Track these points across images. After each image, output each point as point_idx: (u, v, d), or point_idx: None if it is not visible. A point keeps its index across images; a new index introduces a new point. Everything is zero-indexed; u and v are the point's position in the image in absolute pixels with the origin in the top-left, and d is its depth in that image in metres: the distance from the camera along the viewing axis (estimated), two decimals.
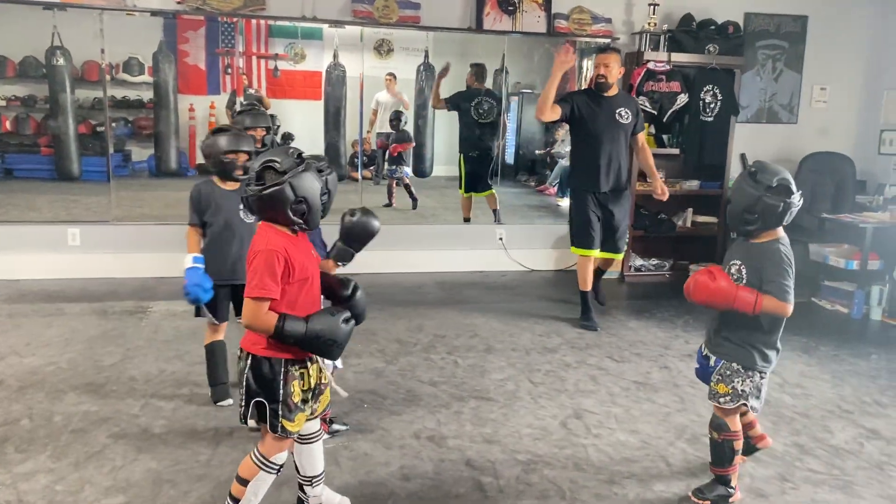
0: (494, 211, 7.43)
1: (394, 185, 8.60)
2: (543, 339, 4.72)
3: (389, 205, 8.53)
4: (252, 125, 4.29)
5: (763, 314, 2.65)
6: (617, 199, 4.97)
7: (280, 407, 2.35)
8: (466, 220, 7.39)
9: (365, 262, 6.08)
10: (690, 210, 6.74)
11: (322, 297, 2.50)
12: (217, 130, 3.55)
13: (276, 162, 2.29)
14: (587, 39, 6.72)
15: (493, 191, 7.38)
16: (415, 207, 8.25)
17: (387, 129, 9.97)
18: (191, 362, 4.11)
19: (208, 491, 2.84)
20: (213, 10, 6.34)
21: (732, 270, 2.74)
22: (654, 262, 6.70)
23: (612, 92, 4.84)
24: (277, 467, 2.47)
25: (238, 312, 3.48)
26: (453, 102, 7.26)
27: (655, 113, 6.32)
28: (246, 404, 2.37)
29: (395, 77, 9.60)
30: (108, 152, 7.17)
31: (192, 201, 3.53)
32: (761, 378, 2.78)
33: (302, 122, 10.08)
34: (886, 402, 3.92)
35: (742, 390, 2.75)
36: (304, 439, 2.58)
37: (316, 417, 2.56)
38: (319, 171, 2.39)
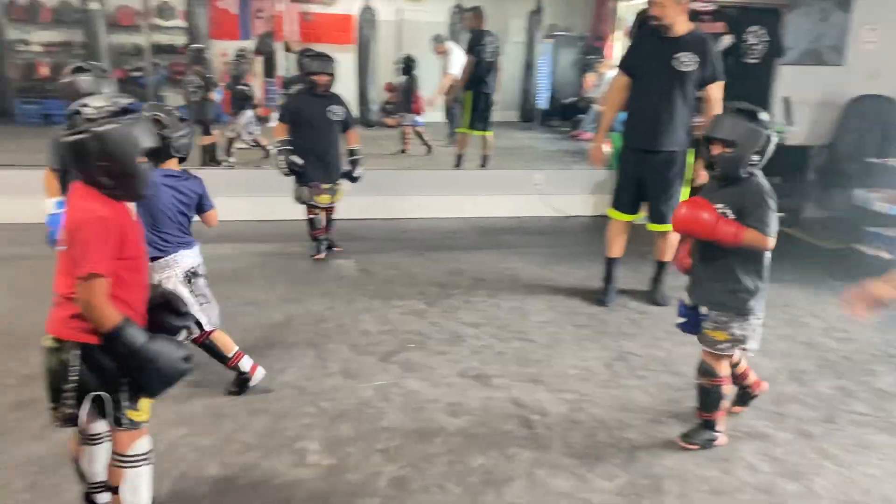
0: (485, 157, 7.46)
1: (408, 131, 8.59)
2: (584, 282, 4.74)
3: (403, 151, 8.53)
4: (319, 70, 4.77)
5: (744, 247, 2.60)
6: (664, 162, 4.12)
7: (121, 397, 2.04)
8: (460, 157, 7.52)
9: (401, 207, 6.15)
10: None
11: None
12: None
13: (88, 107, 1.90)
14: None
15: (491, 133, 7.50)
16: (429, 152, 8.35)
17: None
18: (240, 303, 4.20)
19: (265, 424, 2.94)
20: None
21: None
22: None
23: (677, 32, 3.97)
24: (143, 457, 2.16)
25: None
26: (470, 48, 7.34)
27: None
28: (77, 403, 1.99)
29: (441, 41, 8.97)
30: (146, 98, 7.15)
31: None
32: (756, 320, 2.77)
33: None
34: None
35: (742, 335, 2.73)
36: (91, 440, 2.21)
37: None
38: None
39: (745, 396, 3.14)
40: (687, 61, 3.96)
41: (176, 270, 2.97)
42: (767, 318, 4.19)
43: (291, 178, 4.89)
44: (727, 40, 6.20)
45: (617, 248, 4.41)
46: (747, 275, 2.70)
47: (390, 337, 3.82)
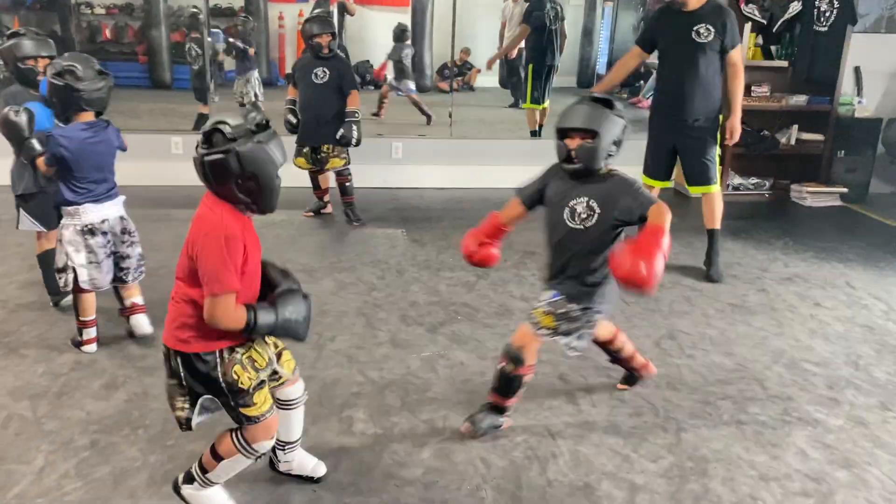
0: (540, 127, 7.24)
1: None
2: None
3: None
4: (319, 32, 4.82)
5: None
6: (696, 128, 4.27)
7: (231, 398, 2.09)
8: (533, 133, 7.26)
9: (451, 177, 6.11)
10: (795, 127, 6.40)
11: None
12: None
13: (227, 125, 1.95)
14: None
15: (546, 105, 7.23)
16: (428, 123, 7.92)
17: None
18: (293, 269, 4.27)
19: (315, 391, 3.01)
20: None
21: (579, 209, 2.51)
22: (754, 180, 6.45)
23: (693, 6, 4.15)
24: (258, 455, 2.20)
25: None
26: (527, 16, 7.04)
27: (765, 22, 5.95)
28: (192, 405, 2.11)
29: None
30: (206, 62, 7.25)
31: None
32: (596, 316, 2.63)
33: (389, 31, 9.92)
34: None
35: (569, 329, 2.60)
36: (285, 405, 2.35)
37: (294, 382, 2.36)
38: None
39: (632, 378, 3.10)
40: (705, 33, 4.15)
41: (76, 221, 3.13)
42: (826, 299, 4.11)
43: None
44: (796, 6, 5.95)
45: None
46: (598, 272, 2.59)
47: (439, 308, 3.84)
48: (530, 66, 6.98)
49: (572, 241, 2.55)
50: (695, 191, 4.49)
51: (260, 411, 2.11)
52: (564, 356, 3.33)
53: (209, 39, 7.49)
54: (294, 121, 5.02)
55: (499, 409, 2.75)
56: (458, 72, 9.75)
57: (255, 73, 7.61)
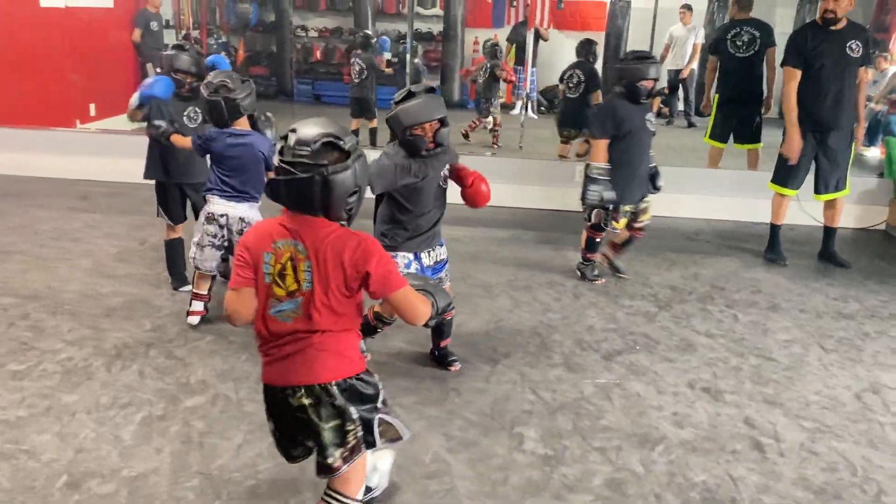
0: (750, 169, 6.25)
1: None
2: (838, 303, 4.31)
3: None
4: (650, 76, 4.13)
5: None
6: (840, 137, 4.71)
7: (384, 412, 2.03)
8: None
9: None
10: None
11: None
12: None
13: (341, 140, 1.86)
14: None
15: (759, 146, 6.09)
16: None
17: (679, 65, 9.44)
18: (472, 284, 4.38)
19: (488, 404, 3.06)
20: None
21: (443, 174, 3.09)
22: None
23: (841, 25, 4.56)
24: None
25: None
26: (713, 46, 6.21)
27: None
28: (366, 429, 1.97)
29: (689, 9, 9.02)
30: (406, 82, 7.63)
31: None
32: None
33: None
34: None
35: None
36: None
37: None
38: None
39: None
40: (856, 49, 4.56)
41: (206, 207, 3.58)
42: None
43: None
44: None
45: (782, 214, 5.03)
46: None
47: (616, 336, 3.76)
48: (716, 97, 6.35)
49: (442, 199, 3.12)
50: (830, 196, 4.86)
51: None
52: (753, 398, 3.15)
53: (417, 61, 7.87)
54: (612, 196, 4.18)
55: None
56: (663, 99, 9.55)
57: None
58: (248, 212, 3.56)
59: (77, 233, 5.03)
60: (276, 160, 1.85)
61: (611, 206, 4.19)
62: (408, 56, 7.83)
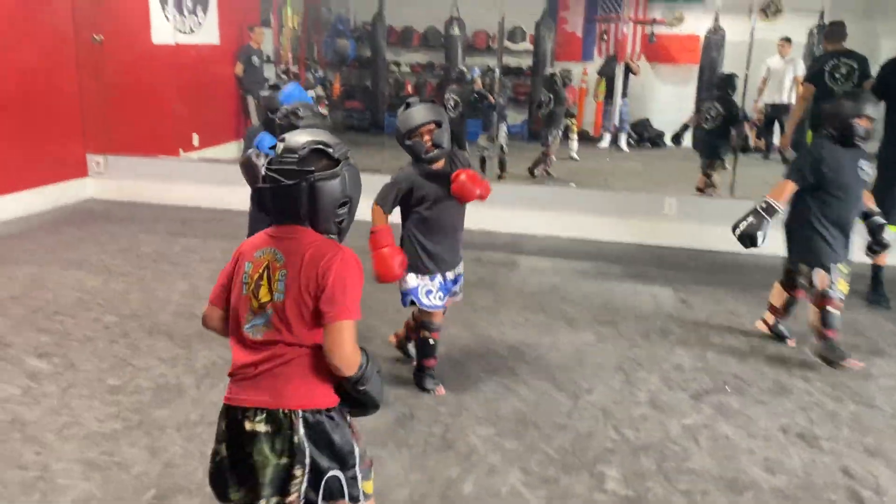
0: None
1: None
2: None
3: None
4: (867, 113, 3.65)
5: None
6: None
7: (359, 468, 1.85)
8: None
9: (732, 238, 5.64)
10: None
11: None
12: None
13: (330, 147, 1.77)
14: None
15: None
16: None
17: (776, 98, 9.15)
18: (553, 316, 4.32)
19: (569, 440, 2.99)
20: None
21: None
22: None
23: None
24: None
25: None
26: (808, 77, 5.74)
27: None
28: (312, 485, 1.77)
29: (789, 41, 8.75)
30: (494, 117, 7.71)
31: None
32: None
33: (673, 88, 9.79)
34: None
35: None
36: None
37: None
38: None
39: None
40: None
41: None
42: None
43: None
44: None
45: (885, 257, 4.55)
46: None
47: (705, 376, 3.62)
48: (808, 133, 5.92)
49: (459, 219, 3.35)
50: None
51: (372, 481, 1.95)
52: (852, 446, 2.97)
53: (497, 96, 7.95)
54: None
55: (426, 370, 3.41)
56: (759, 132, 9.26)
57: (504, 126, 7.95)
58: None
59: (176, 256, 5.28)
60: (263, 170, 1.77)
61: (827, 268, 3.66)
62: (495, 89, 7.90)
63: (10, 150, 6.08)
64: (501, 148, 7.88)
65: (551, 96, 7.84)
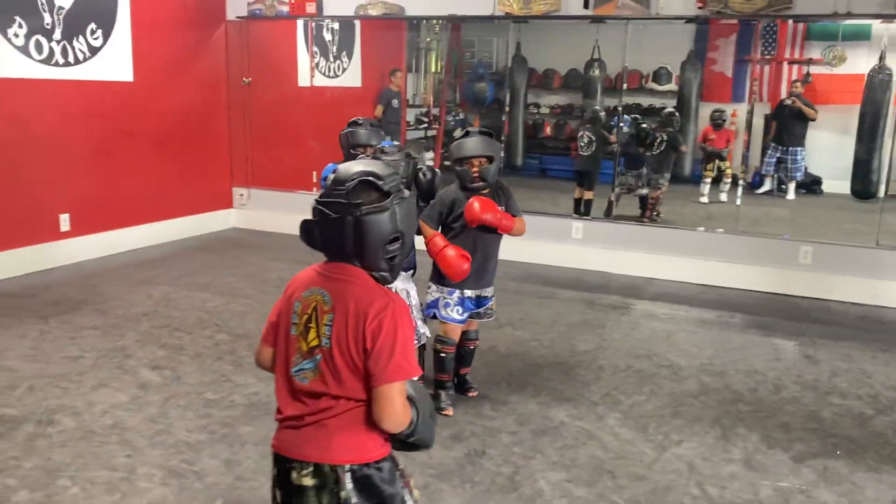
0: None
1: None
2: None
3: None
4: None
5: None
6: None
7: None
8: None
9: (873, 292, 5.21)
10: None
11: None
12: None
13: (380, 179, 1.65)
14: None
15: None
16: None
17: None
18: (658, 364, 4.11)
19: (644, 492, 2.81)
20: (734, 12, 6.12)
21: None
22: None
23: None
24: None
25: None
26: None
27: None
28: None
29: None
30: (616, 158, 7.58)
31: None
32: None
33: (832, 130, 9.18)
34: None
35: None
36: None
37: None
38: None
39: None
40: None
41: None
42: None
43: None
44: None
45: None
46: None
47: (814, 437, 3.28)
48: None
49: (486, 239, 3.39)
50: None
51: None
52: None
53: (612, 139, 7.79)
54: None
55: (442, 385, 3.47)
56: None
57: (644, 170, 7.72)
58: (402, 284, 3.33)
59: None
60: (313, 202, 1.69)
61: None
62: (615, 130, 7.74)
63: (167, 181, 6.73)
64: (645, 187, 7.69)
65: (664, 136, 7.62)
